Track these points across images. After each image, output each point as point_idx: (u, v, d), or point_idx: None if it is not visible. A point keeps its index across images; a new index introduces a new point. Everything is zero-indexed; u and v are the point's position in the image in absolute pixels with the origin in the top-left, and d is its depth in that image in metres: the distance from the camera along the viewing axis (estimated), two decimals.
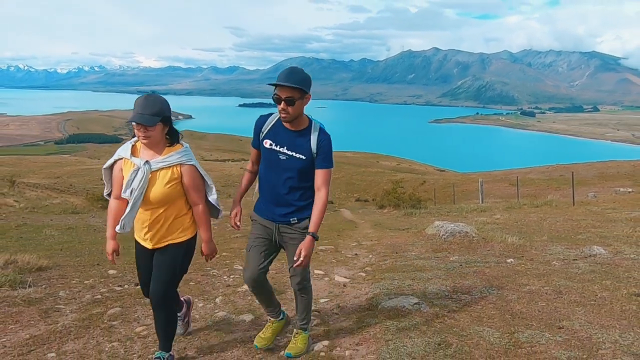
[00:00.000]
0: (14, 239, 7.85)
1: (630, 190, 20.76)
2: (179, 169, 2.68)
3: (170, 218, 2.74)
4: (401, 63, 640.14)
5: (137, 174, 2.60)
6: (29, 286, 4.33)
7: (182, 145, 2.74)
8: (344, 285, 4.67)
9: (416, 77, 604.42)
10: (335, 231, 9.69)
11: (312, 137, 2.80)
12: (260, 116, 2.95)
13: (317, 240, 2.80)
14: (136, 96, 2.82)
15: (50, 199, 20.63)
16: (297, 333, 3.10)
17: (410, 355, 2.86)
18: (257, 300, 3.22)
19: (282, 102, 2.67)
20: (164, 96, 2.80)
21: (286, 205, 2.86)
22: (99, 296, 4.17)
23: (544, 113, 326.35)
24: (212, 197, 2.80)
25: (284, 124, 2.82)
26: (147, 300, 4.06)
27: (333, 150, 2.84)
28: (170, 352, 2.86)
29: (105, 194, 2.86)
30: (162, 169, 2.66)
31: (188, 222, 2.81)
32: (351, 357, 2.92)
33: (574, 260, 5.29)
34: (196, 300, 4.15)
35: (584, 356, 2.76)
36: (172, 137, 2.74)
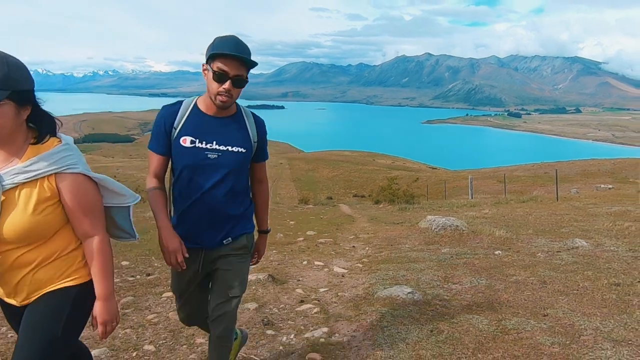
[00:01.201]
0: None
1: (610, 186, 20.78)
2: (53, 182, 1.47)
3: (46, 259, 1.52)
4: (396, 67, 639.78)
5: None
6: None
7: (60, 141, 1.53)
8: (342, 276, 4.67)
9: (410, 80, 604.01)
10: (334, 225, 9.68)
11: (247, 123, 1.99)
12: (164, 107, 1.97)
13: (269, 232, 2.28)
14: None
15: None
16: None
17: (404, 341, 2.86)
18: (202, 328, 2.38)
19: (228, 82, 1.80)
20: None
21: (220, 221, 1.98)
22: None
23: (529, 114, 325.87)
24: (128, 202, 1.67)
25: (207, 111, 1.93)
26: (158, 290, 4.08)
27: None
28: None
29: None
30: (23, 185, 1.45)
31: (81, 259, 1.59)
32: (349, 343, 2.92)
33: (557, 252, 5.29)
34: None
35: (567, 342, 2.76)
36: (41, 128, 1.51)
